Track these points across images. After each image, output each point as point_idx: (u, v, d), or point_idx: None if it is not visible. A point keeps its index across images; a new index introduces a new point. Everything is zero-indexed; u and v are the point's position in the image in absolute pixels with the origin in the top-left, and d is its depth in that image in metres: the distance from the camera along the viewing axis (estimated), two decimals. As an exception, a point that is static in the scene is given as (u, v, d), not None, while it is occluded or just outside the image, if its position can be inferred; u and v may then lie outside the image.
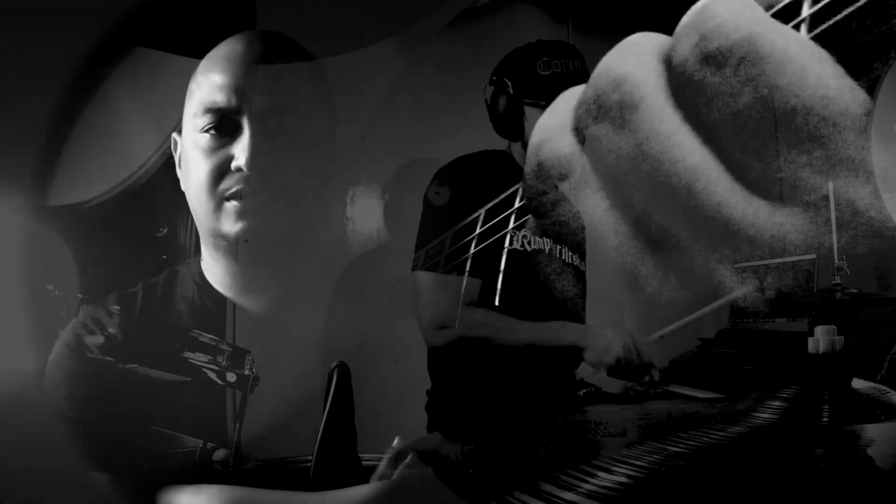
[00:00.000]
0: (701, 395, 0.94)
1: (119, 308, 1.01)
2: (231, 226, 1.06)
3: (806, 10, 0.48)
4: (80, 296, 1.03)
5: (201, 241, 1.10)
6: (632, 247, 0.54)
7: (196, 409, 0.97)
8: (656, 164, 0.49)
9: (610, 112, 0.51)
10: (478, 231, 0.98)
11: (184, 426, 0.95)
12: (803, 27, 0.48)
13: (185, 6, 1.10)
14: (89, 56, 1.02)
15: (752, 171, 0.48)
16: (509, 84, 1.29)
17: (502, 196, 0.90)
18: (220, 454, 0.93)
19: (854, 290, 0.81)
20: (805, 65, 0.45)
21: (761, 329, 1.07)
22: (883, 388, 0.65)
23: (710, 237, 0.50)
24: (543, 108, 1.36)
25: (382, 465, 0.85)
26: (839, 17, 0.47)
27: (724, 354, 1.10)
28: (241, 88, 1.05)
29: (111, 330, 0.99)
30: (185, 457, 0.93)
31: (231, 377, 0.95)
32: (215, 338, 0.98)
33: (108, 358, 0.95)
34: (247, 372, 0.96)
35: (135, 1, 1.03)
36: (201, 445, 0.93)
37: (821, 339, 0.63)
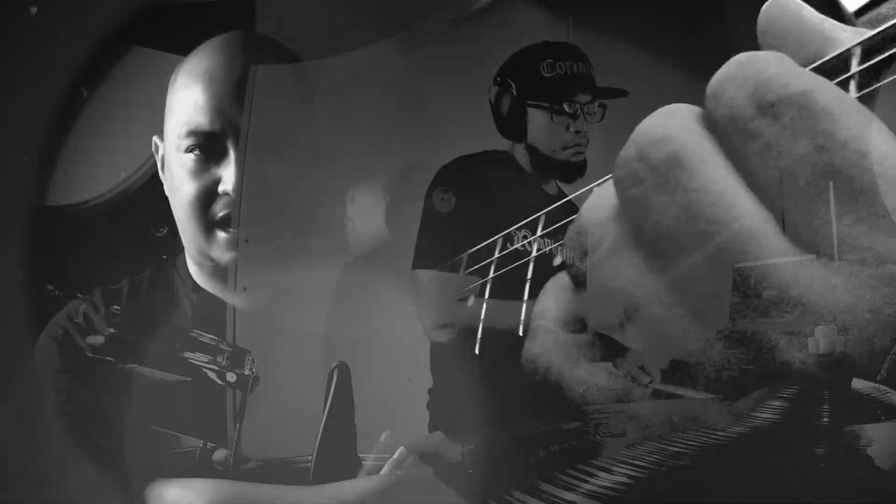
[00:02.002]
0: (693, 394, 0.93)
1: (119, 308, 1.01)
2: (222, 254, 1.05)
3: (854, 67, 0.47)
4: (80, 296, 1.03)
5: (185, 251, 1.10)
6: (671, 312, 0.52)
7: (196, 409, 0.97)
8: (708, 225, 0.47)
9: (655, 170, 0.50)
10: (496, 256, 0.97)
11: (184, 426, 0.95)
12: (852, 85, 0.47)
13: (184, 6, 1.10)
14: (88, 56, 1.02)
15: (805, 227, 0.46)
16: (513, 85, 1.29)
17: (523, 223, 0.89)
18: (220, 454, 0.93)
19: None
20: (861, 122, 0.45)
21: (761, 329, 1.06)
22: (883, 388, 0.65)
23: (760, 301, 0.49)
24: (547, 109, 1.37)
25: (387, 466, 0.85)
26: (892, 78, 0.46)
27: (724, 354, 1.10)
28: (223, 110, 1.03)
29: (99, 326, 0.99)
30: (184, 457, 0.93)
31: (231, 377, 0.95)
32: (215, 338, 0.98)
33: (107, 358, 0.95)
34: (247, 372, 0.96)
35: (133, 1, 1.03)
36: (201, 445, 0.93)
37: (821, 339, 0.63)
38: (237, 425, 0.93)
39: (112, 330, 0.97)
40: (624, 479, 0.58)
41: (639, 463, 0.60)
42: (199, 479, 0.83)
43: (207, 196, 1.03)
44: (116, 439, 0.93)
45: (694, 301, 0.50)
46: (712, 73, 0.54)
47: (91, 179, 1.11)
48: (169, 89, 1.08)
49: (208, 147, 1.03)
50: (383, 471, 0.85)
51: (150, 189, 1.13)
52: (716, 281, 0.49)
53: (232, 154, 1.03)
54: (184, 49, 1.11)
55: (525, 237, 1.18)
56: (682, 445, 0.62)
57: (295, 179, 1.13)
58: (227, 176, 1.02)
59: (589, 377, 0.68)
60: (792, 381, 0.66)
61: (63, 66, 1.00)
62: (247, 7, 1.11)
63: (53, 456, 0.92)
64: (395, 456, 0.87)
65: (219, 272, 1.06)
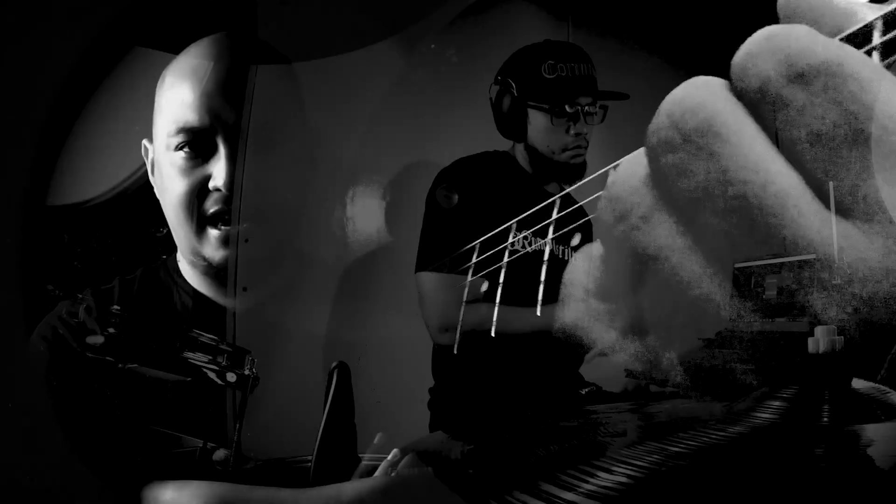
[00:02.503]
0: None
1: (119, 308, 1.00)
2: (213, 252, 1.05)
3: (877, 39, 0.48)
4: (80, 295, 1.03)
5: (178, 251, 1.10)
6: (706, 275, 0.53)
7: (196, 409, 0.97)
8: (744, 189, 0.49)
9: (689, 138, 0.51)
10: (510, 240, 0.98)
11: (184, 426, 0.95)
12: (875, 56, 0.48)
13: (185, 7, 1.10)
14: (89, 55, 1.02)
15: (837, 191, 0.47)
16: (513, 85, 1.28)
17: (536, 207, 0.90)
18: (220, 454, 0.93)
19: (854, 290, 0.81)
20: (889, 87, 0.46)
21: (761, 329, 1.06)
22: (883, 388, 0.65)
23: (793, 262, 0.50)
24: (547, 111, 1.37)
25: (382, 467, 0.86)
26: None
27: (724, 354, 1.10)
28: (212, 106, 1.03)
29: (91, 326, 0.98)
30: (185, 457, 0.93)
31: (231, 377, 0.95)
32: (215, 338, 0.98)
33: (107, 358, 0.95)
34: (247, 372, 0.95)
35: (134, 1, 1.03)
36: (201, 445, 0.93)
37: (821, 339, 0.63)
38: (237, 425, 0.93)
39: (112, 330, 0.97)
40: (624, 479, 0.58)
41: (639, 463, 0.60)
42: (194, 481, 0.82)
43: (198, 193, 1.04)
44: (110, 439, 0.93)
45: (729, 265, 0.52)
46: (711, 73, 0.55)
47: (91, 179, 1.11)
48: (157, 91, 1.08)
49: (198, 144, 1.03)
50: (377, 473, 0.85)
51: (150, 189, 1.13)
52: (752, 244, 0.50)
53: (222, 150, 1.03)
54: (185, 48, 1.11)
55: (526, 238, 1.17)
56: (682, 445, 0.62)
57: (295, 180, 1.13)
58: (218, 172, 1.03)
59: (620, 346, 0.69)
60: (792, 381, 0.66)
61: (63, 66, 1.00)
62: (248, 8, 1.11)
63: (50, 456, 0.92)
64: (388, 458, 0.87)
65: (211, 271, 1.06)
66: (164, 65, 1.11)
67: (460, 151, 1.29)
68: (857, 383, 0.64)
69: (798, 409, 0.62)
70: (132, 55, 1.09)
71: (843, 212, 0.47)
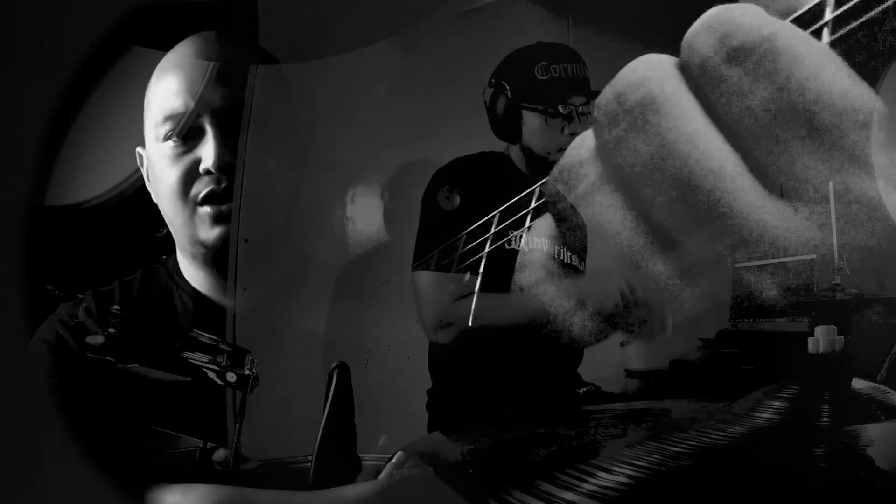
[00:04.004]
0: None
1: (119, 308, 1.00)
2: (207, 232, 1.05)
3: (828, 15, 0.49)
4: (80, 296, 1.03)
5: (177, 248, 1.09)
6: (645, 245, 0.54)
7: (196, 409, 0.97)
8: (682, 163, 0.50)
9: (631, 112, 0.52)
10: (493, 231, 0.98)
11: (184, 426, 0.95)
12: (825, 31, 0.49)
13: (185, 6, 1.10)
14: (89, 56, 1.02)
15: (768, 166, 0.48)
16: (507, 87, 1.29)
17: (518, 196, 0.90)
18: (220, 454, 0.93)
19: (854, 290, 0.81)
20: (820, 62, 0.46)
21: (761, 329, 1.07)
22: (883, 388, 0.65)
23: (725, 235, 0.50)
24: (541, 112, 1.37)
25: (387, 469, 0.86)
26: (861, 20, 0.48)
27: (724, 354, 1.10)
28: (197, 91, 1.03)
29: (93, 329, 0.98)
30: (185, 457, 0.93)
31: (231, 377, 0.95)
32: (215, 338, 0.98)
33: (107, 358, 0.95)
34: (247, 372, 0.95)
35: (134, 2, 1.03)
36: (201, 445, 0.93)
37: (821, 339, 0.63)
38: (237, 425, 0.93)
39: (112, 330, 0.97)
40: (624, 479, 0.58)
41: (639, 463, 0.60)
42: (199, 484, 0.82)
43: (190, 178, 1.03)
44: (115, 440, 0.93)
45: (670, 233, 0.53)
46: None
47: (90, 179, 1.11)
48: (146, 94, 1.08)
49: (185, 129, 1.03)
50: (382, 475, 0.85)
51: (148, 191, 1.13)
52: (690, 213, 0.51)
53: (209, 133, 1.03)
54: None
55: (521, 236, 1.18)
56: (682, 445, 0.63)
57: (295, 179, 1.13)
58: (207, 154, 1.02)
59: (577, 308, 0.70)
60: (792, 381, 0.66)
61: (62, 66, 1.00)
62: (249, 7, 1.11)
63: (52, 458, 0.92)
64: (392, 460, 0.87)
65: (210, 260, 1.06)
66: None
67: (459, 151, 1.29)
68: (857, 383, 0.64)
69: (798, 409, 0.63)
70: (132, 55, 1.09)
71: (773, 186, 0.48)
